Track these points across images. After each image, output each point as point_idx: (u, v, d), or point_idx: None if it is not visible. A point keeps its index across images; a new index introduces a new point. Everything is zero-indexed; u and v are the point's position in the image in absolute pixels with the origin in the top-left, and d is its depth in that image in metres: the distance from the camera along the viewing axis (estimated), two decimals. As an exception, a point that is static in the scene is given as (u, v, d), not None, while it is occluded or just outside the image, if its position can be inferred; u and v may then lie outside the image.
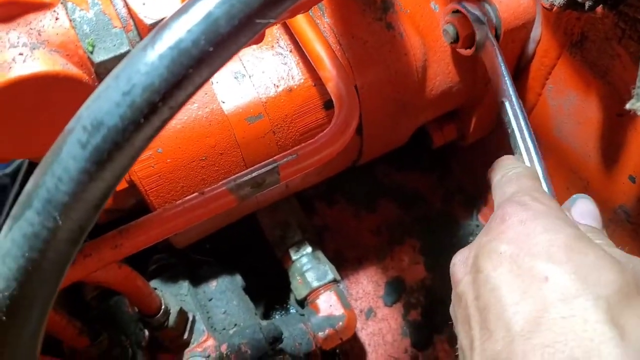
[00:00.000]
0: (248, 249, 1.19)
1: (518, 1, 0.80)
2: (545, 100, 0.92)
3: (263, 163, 0.68)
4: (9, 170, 1.67)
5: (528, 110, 0.95)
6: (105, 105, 0.34)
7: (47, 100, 0.44)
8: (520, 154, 0.65)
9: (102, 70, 0.48)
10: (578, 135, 0.88)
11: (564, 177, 0.95)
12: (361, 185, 1.32)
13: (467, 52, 0.83)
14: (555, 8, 0.70)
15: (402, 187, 1.33)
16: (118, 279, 0.71)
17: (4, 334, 0.38)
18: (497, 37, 0.84)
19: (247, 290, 1.05)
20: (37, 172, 0.35)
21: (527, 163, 0.63)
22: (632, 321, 0.37)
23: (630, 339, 0.36)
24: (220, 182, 0.68)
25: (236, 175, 0.68)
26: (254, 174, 0.67)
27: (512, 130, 0.68)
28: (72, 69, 0.43)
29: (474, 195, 1.29)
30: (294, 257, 1.08)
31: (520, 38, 0.85)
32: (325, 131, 0.70)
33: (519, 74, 0.93)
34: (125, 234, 0.64)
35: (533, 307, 0.40)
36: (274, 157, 0.69)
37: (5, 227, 0.36)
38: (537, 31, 0.85)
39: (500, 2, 0.81)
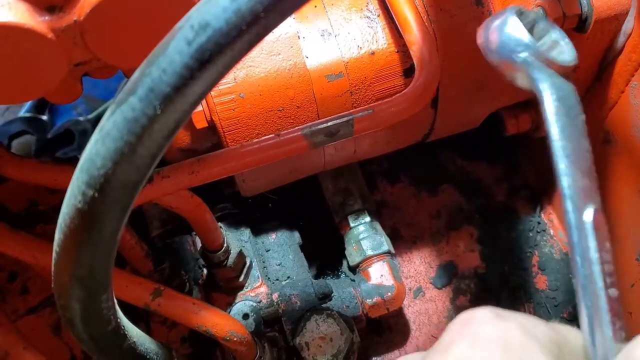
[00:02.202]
0: (308, 212, 1.22)
1: (614, -10, 0.79)
2: (627, 98, 0.90)
3: (339, 115, 0.71)
4: (91, 116, 1.76)
5: (608, 107, 0.94)
6: (213, 8, 0.37)
7: (152, 11, 0.48)
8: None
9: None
10: (657, 136, 0.87)
11: (638, 179, 0.93)
12: (425, 167, 1.33)
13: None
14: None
15: (466, 175, 1.33)
16: (189, 208, 0.75)
17: (94, 209, 0.41)
18: (586, 26, 0.83)
19: (303, 250, 1.08)
20: (145, 63, 0.39)
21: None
22: None
23: None
24: (296, 127, 0.70)
25: (312, 122, 0.71)
26: (329, 123, 0.70)
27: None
28: (182, -15, 0.47)
29: (539, 192, 1.28)
30: (351, 224, 1.10)
31: (610, 30, 0.84)
32: (402, 92, 0.71)
33: (604, 68, 0.91)
34: (203, 162, 0.67)
35: None
36: (350, 111, 0.71)
37: (108, 111, 0.40)
38: (629, 24, 0.83)
39: (595, -10, 0.80)
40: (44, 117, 1.68)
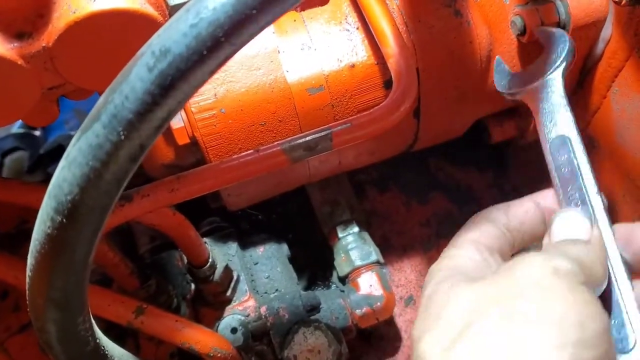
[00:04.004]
0: (296, 223, 1.23)
1: (590, -2, 0.80)
2: (609, 104, 0.91)
3: (318, 129, 0.71)
4: (73, 132, 1.77)
5: (591, 113, 0.94)
6: (174, 34, 0.38)
7: (121, 35, 0.48)
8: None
9: (175, 13, 0.51)
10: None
11: (621, 184, 0.93)
12: (414, 176, 1.33)
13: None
14: (624, 2, 0.69)
15: (455, 183, 1.34)
16: (172, 225, 0.75)
17: (63, 235, 0.42)
18: (565, 33, 0.83)
19: (292, 262, 1.08)
20: (108, 90, 0.39)
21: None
22: None
23: None
24: (276, 142, 0.71)
25: (291, 137, 0.71)
26: (308, 138, 0.70)
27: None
28: (149, 9, 0.47)
29: (529, 198, 1.28)
30: (340, 235, 1.10)
31: (589, 37, 0.85)
32: (380, 105, 0.72)
33: (585, 74, 0.92)
34: (182, 180, 0.68)
35: None
36: (329, 125, 0.71)
37: (74, 138, 0.40)
38: (607, 31, 0.84)
39: (572, -1, 0.81)
40: (37, 133, 1.68)
